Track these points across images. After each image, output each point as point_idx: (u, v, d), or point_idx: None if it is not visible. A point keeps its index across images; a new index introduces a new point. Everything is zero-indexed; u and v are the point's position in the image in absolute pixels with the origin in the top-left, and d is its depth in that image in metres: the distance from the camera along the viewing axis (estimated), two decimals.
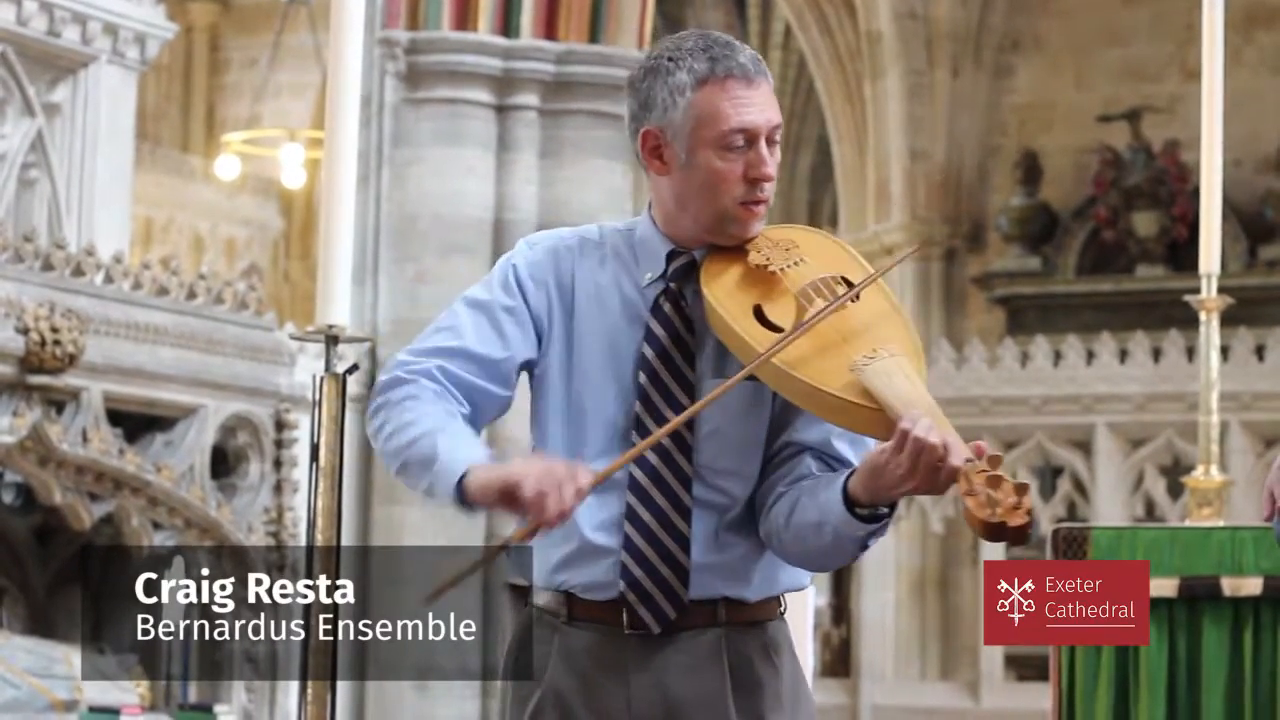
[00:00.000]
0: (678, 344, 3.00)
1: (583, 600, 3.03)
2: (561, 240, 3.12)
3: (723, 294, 2.96)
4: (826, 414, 2.88)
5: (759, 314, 2.94)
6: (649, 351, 3.00)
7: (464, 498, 2.88)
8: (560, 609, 3.05)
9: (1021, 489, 2.68)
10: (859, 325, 2.91)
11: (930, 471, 2.75)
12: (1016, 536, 2.69)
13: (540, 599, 3.08)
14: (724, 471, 2.99)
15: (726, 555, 3.00)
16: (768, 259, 2.99)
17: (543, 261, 3.09)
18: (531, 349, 3.04)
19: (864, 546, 2.92)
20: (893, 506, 2.87)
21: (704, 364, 3.00)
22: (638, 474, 2.98)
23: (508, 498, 2.83)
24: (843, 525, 2.87)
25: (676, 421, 2.92)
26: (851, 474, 2.87)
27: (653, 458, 2.98)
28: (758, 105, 2.98)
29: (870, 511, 2.86)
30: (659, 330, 3.01)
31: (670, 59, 3.02)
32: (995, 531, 2.69)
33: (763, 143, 2.98)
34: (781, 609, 3.10)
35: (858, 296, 2.94)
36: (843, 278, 2.97)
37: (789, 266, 2.98)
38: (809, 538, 2.92)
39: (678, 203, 3.02)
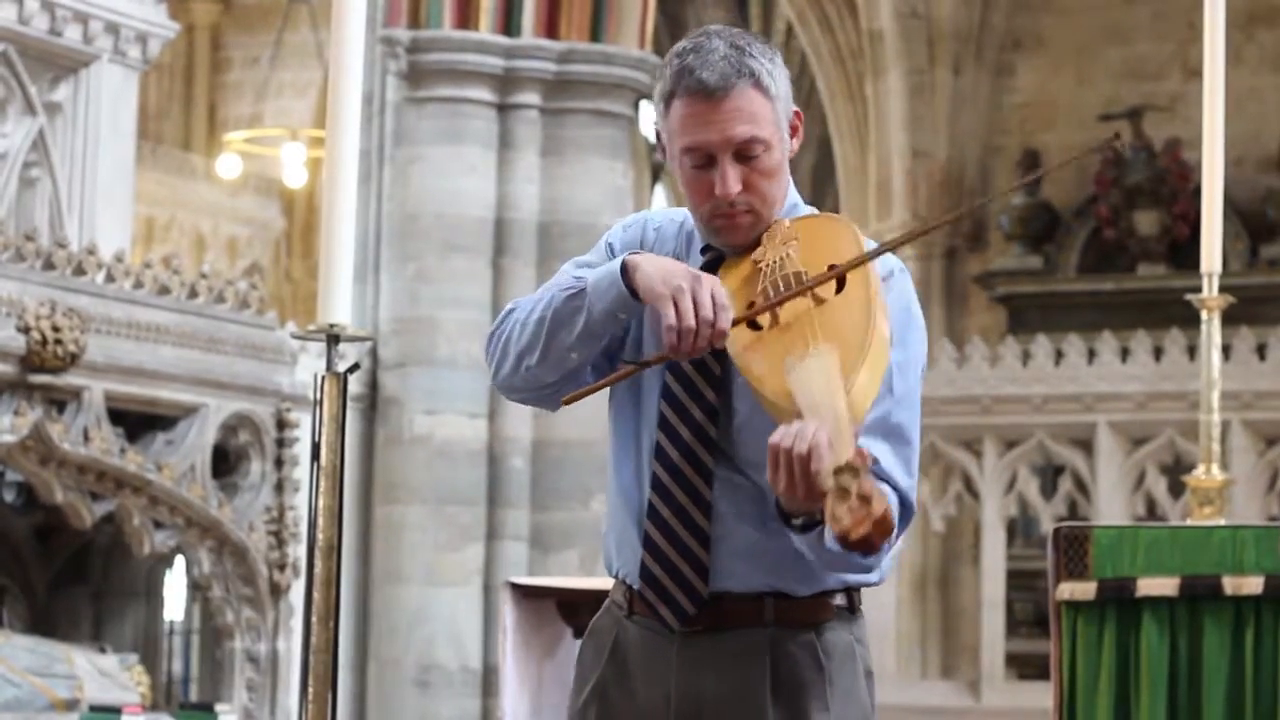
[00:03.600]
0: None
1: (639, 594, 3.04)
2: (649, 222, 3.14)
3: (729, 289, 2.94)
4: (768, 411, 2.84)
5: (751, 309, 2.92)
6: None
7: (632, 288, 2.89)
8: (624, 602, 3.07)
9: (863, 500, 2.61)
10: (826, 319, 2.86)
11: (804, 481, 2.69)
12: (859, 547, 2.62)
13: (615, 592, 3.10)
14: (753, 464, 2.97)
15: (766, 545, 2.97)
16: (764, 254, 2.96)
17: (632, 242, 3.11)
18: None
19: (823, 551, 2.84)
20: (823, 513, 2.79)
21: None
22: (659, 470, 2.99)
23: (657, 317, 2.86)
24: (794, 536, 2.86)
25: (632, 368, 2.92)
26: None
27: (674, 454, 2.98)
28: (715, 123, 2.92)
29: (805, 520, 2.83)
30: None
31: (664, 64, 3.01)
32: (844, 544, 2.64)
33: (726, 159, 2.93)
34: (852, 606, 3.06)
35: (840, 284, 2.88)
36: (796, 276, 2.90)
37: (774, 263, 2.94)
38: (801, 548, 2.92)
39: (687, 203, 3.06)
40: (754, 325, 2.89)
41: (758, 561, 2.98)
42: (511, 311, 3.06)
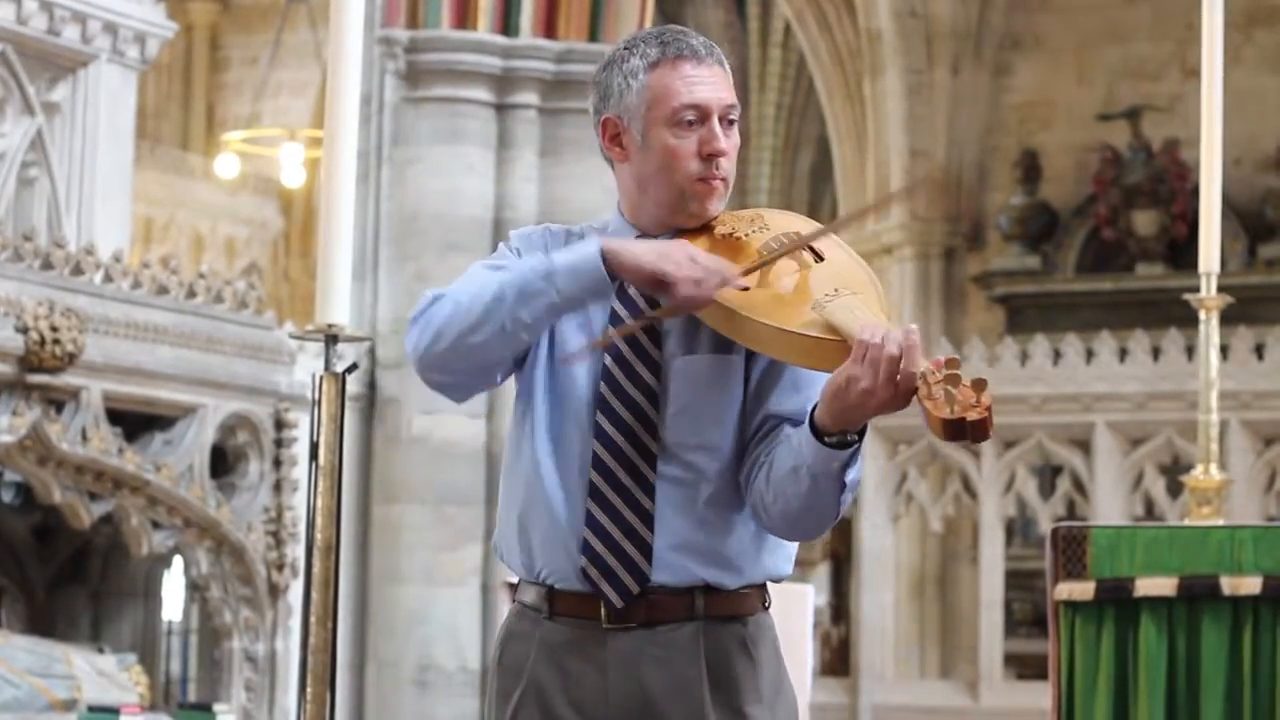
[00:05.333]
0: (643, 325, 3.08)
1: (562, 594, 3.07)
2: (548, 229, 3.22)
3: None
4: (794, 356, 2.95)
5: None
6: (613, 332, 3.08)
7: (610, 272, 2.97)
8: (542, 604, 3.09)
9: (979, 385, 2.73)
10: (822, 279, 3.00)
11: (890, 380, 2.80)
12: (976, 433, 2.73)
13: (525, 595, 3.13)
14: (694, 447, 3.06)
15: (703, 535, 3.05)
16: (733, 229, 3.10)
17: (534, 248, 3.16)
18: None
19: (843, 486, 2.95)
20: (861, 433, 2.92)
21: (672, 345, 3.08)
22: (600, 451, 3.04)
23: (656, 282, 2.96)
24: (815, 461, 2.92)
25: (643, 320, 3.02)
26: (815, 406, 2.93)
27: (616, 436, 3.04)
28: (708, 83, 3.09)
29: (839, 439, 2.91)
30: (623, 312, 3.09)
31: (625, 48, 3.14)
32: (955, 429, 2.73)
33: (715, 120, 3.08)
34: (765, 603, 3.13)
35: (821, 256, 3.04)
36: (808, 245, 3.06)
37: (753, 232, 3.09)
38: (788, 489, 2.97)
39: (639, 186, 3.13)
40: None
41: (691, 554, 3.05)
42: (438, 298, 3.06)
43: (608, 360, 3.06)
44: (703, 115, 3.07)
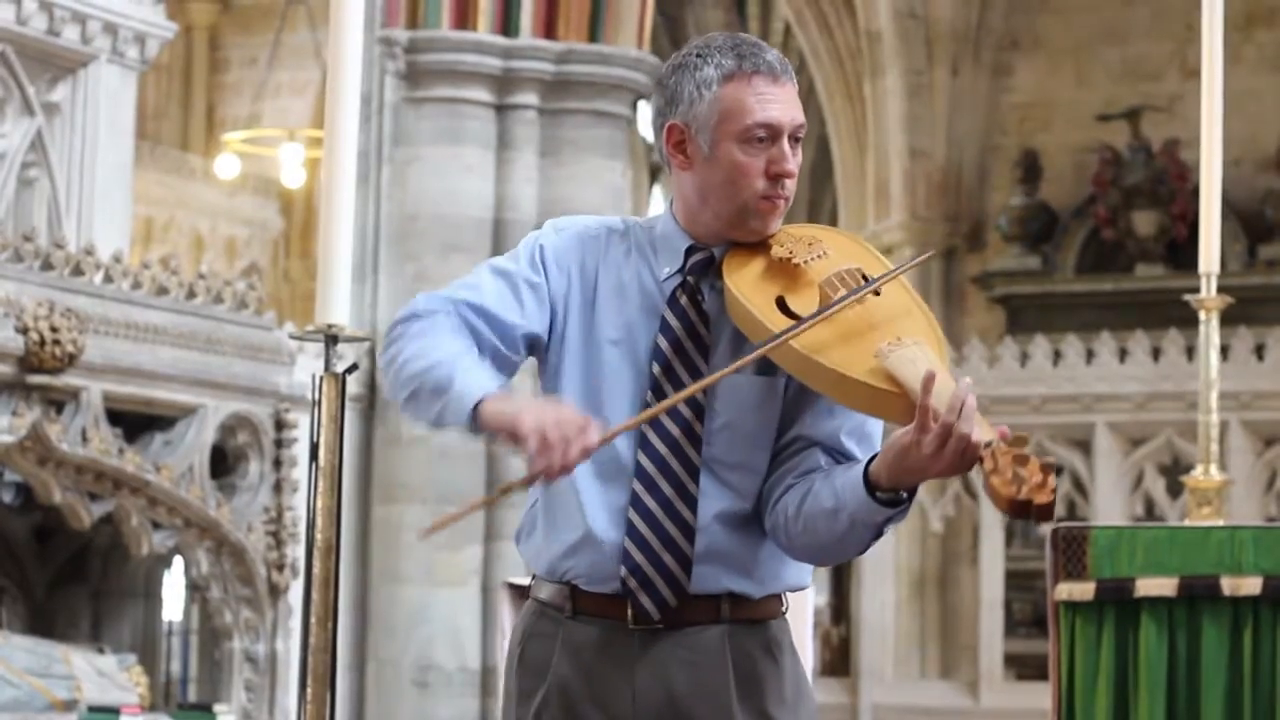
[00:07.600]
0: (692, 336, 3.04)
1: (586, 593, 3.05)
2: (588, 229, 3.15)
3: (745, 285, 3.00)
4: (850, 401, 2.91)
5: (781, 304, 2.98)
6: (663, 342, 3.04)
7: (476, 425, 2.89)
8: (564, 603, 3.07)
9: (1048, 468, 2.72)
10: (882, 318, 2.94)
11: (956, 453, 2.77)
12: (1041, 514, 2.72)
13: (543, 592, 3.10)
14: (735, 465, 3.03)
15: (733, 548, 3.03)
16: (791, 252, 3.03)
17: (569, 247, 3.12)
18: (543, 328, 3.08)
19: (878, 535, 2.94)
20: (912, 492, 2.89)
21: (718, 359, 3.04)
22: (645, 462, 3.02)
23: (514, 439, 2.84)
24: (861, 510, 2.89)
25: (692, 388, 2.94)
26: (873, 458, 2.89)
27: (661, 448, 3.02)
28: (782, 102, 3.04)
29: (890, 495, 2.88)
30: (674, 322, 3.04)
31: (698, 55, 3.06)
32: (1021, 509, 2.72)
33: (785, 139, 3.03)
34: (784, 608, 3.12)
35: (878, 291, 2.98)
36: (862, 274, 3.00)
37: (813, 259, 3.02)
38: (820, 526, 2.95)
39: (699, 197, 3.06)
40: (792, 316, 2.94)
41: (724, 566, 3.03)
42: (411, 319, 3.04)
43: (656, 369, 3.03)
44: (774, 135, 3.02)
